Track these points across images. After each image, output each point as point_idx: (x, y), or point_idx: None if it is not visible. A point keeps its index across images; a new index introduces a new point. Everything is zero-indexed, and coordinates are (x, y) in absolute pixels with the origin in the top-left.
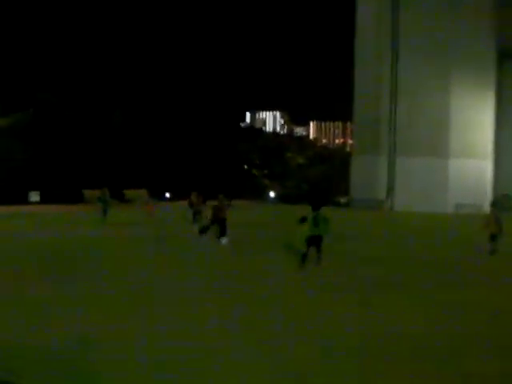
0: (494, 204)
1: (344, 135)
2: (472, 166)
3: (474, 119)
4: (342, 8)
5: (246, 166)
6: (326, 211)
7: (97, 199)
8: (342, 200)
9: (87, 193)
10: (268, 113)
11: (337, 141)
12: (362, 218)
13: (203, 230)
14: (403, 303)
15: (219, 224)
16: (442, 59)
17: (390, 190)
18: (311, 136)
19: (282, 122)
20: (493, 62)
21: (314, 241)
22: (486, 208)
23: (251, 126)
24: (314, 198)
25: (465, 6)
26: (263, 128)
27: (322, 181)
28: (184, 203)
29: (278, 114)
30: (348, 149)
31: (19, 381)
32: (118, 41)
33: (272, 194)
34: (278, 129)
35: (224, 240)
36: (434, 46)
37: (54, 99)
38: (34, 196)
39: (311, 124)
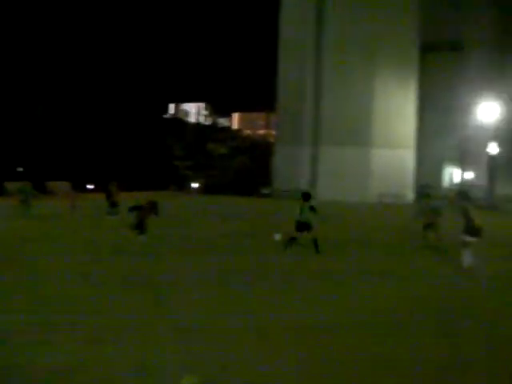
0: (425, 195)
1: (267, 126)
2: (394, 155)
3: (397, 110)
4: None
5: (170, 159)
6: (248, 201)
7: (17, 191)
8: (265, 190)
9: (9, 185)
10: (191, 104)
11: (260, 131)
12: (283, 208)
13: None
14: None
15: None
16: (365, 52)
17: (313, 179)
18: (235, 127)
19: (206, 113)
20: (415, 55)
21: (303, 227)
22: (409, 197)
23: (174, 118)
24: (304, 192)
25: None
26: (186, 119)
27: (244, 171)
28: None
29: (201, 105)
30: (272, 139)
31: None
32: (37, 34)
33: (195, 185)
34: (202, 120)
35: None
36: (358, 39)
37: None
38: None
39: (235, 115)
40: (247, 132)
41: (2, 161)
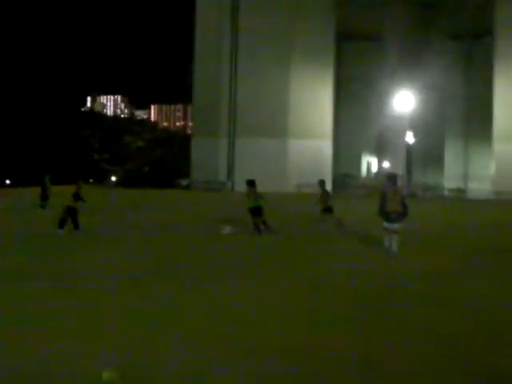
0: (321, 183)
1: (185, 118)
2: (312, 146)
3: (314, 100)
4: None
5: (87, 152)
6: (168, 193)
7: None
8: (183, 182)
9: None
10: (109, 97)
11: (178, 123)
12: (201, 199)
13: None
14: None
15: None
16: (281, 43)
17: (230, 171)
18: (152, 119)
19: (123, 105)
20: (331, 45)
21: (256, 211)
22: (327, 187)
23: (91, 111)
24: (250, 180)
25: None
26: (104, 112)
27: (162, 163)
28: (30, 190)
29: (118, 97)
30: (189, 131)
31: None
32: None
33: (113, 178)
34: (119, 113)
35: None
36: (274, 30)
37: None
38: None
39: (152, 107)
40: (165, 124)
41: None
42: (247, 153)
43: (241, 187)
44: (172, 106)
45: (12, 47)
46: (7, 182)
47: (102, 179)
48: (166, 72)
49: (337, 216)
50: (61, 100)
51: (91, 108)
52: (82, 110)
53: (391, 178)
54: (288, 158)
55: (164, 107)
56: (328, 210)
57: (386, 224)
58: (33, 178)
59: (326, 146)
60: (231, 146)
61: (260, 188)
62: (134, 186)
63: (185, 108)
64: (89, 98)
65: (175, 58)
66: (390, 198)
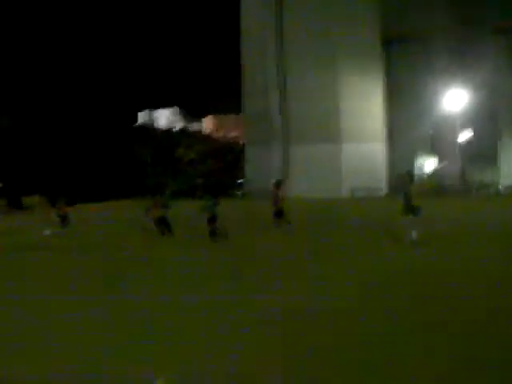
0: (276, 183)
1: (239, 128)
2: (365, 149)
3: (364, 103)
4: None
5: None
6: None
7: None
8: (238, 192)
9: None
10: (162, 110)
11: (232, 133)
12: (257, 207)
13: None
14: None
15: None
16: (328, 47)
17: (285, 178)
18: (206, 130)
19: (177, 118)
20: (378, 46)
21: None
22: (382, 190)
23: (143, 125)
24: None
25: None
26: (157, 126)
27: (216, 173)
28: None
29: (172, 110)
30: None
31: None
32: None
33: (167, 191)
34: (173, 126)
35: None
36: (320, 36)
37: None
38: None
39: (206, 118)
40: (219, 135)
41: None
42: (300, 159)
43: (297, 194)
44: (227, 117)
45: (66, 64)
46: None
47: (156, 193)
48: (219, 83)
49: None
50: (114, 115)
51: (144, 122)
52: (136, 124)
53: (409, 175)
54: (341, 163)
55: (219, 118)
56: (279, 213)
57: (408, 217)
58: (89, 195)
59: (378, 149)
60: (284, 153)
61: (314, 194)
62: (188, 198)
63: (239, 118)
64: (143, 112)
65: (228, 68)
66: (412, 193)
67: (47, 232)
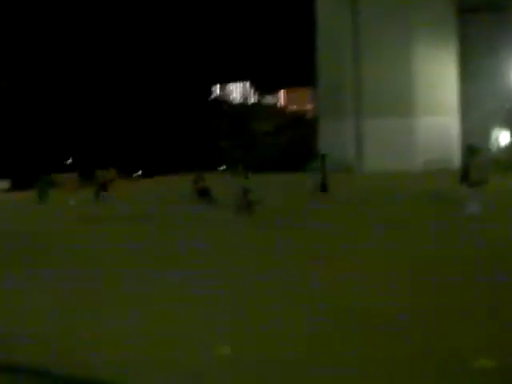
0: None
1: (313, 101)
2: (438, 122)
3: (438, 76)
4: None
5: (216, 139)
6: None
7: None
8: (313, 165)
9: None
10: (236, 84)
11: (307, 107)
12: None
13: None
14: None
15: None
16: (402, 20)
17: (358, 151)
18: (281, 104)
19: (251, 91)
20: (453, 18)
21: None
22: (456, 163)
23: (220, 99)
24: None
25: None
26: (231, 99)
27: (291, 147)
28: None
29: (246, 84)
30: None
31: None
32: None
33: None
34: (247, 99)
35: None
36: (395, 8)
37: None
38: (3, 184)
39: (280, 92)
40: (293, 108)
41: (50, 153)
42: (373, 133)
43: (369, 167)
44: (301, 90)
45: (140, 41)
46: (139, 173)
47: (231, 166)
48: (293, 56)
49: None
50: (189, 89)
51: (219, 96)
52: (210, 98)
53: (470, 149)
54: (415, 136)
55: (293, 91)
56: (203, 192)
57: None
58: (165, 168)
59: (452, 122)
60: (358, 126)
61: (388, 167)
62: (264, 171)
63: (314, 91)
64: (217, 86)
65: (302, 41)
66: (473, 166)
67: (72, 202)
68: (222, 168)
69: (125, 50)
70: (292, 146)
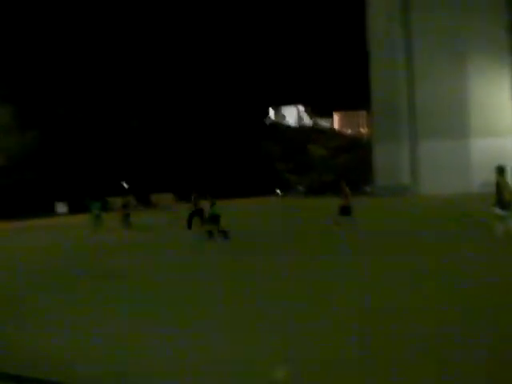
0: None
1: (369, 124)
2: (493, 143)
3: (492, 98)
4: None
5: (272, 163)
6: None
7: (122, 207)
8: (368, 188)
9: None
10: (291, 107)
11: (361, 130)
12: (387, 205)
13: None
14: None
15: None
16: (456, 42)
17: (414, 174)
18: (335, 127)
19: (306, 115)
20: (506, 41)
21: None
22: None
23: (275, 122)
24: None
25: None
26: (286, 123)
27: (346, 170)
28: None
29: (301, 107)
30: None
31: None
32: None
33: (299, 188)
34: (302, 122)
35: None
36: (448, 30)
37: (71, 112)
38: (62, 207)
39: (335, 115)
40: (348, 131)
41: (105, 176)
42: (428, 155)
43: (426, 190)
44: (355, 113)
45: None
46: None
47: (287, 189)
48: (346, 80)
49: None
50: (244, 113)
51: (274, 119)
52: (265, 121)
53: (499, 169)
54: (470, 158)
55: (347, 114)
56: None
57: (500, 211)
58: (220, 192)
59: (507, 143)
60: (413, 149)
61: (444, 190)
62: (319, 194)
63: (368, 114)
64: (271, 110)
65: (354, 64)
66: (502, 187)
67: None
68: (277, 192)
69: (182, 75)
70: (347, 169)
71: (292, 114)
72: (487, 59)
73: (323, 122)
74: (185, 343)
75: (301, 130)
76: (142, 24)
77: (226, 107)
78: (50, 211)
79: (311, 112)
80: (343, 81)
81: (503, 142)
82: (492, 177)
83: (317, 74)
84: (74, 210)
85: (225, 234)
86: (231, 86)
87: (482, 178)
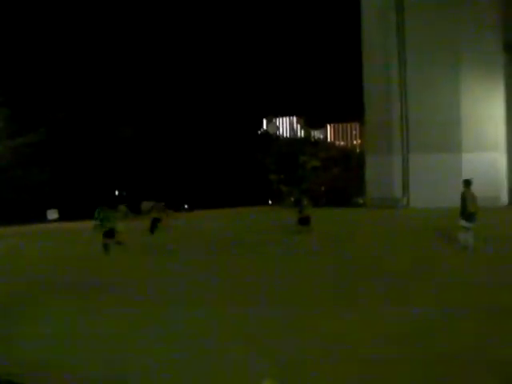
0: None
1: (362, 136)
2: (485, 159)
3: (485, 112)
4: (346, 12)
5: (264, 174)
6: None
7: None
8: (360, 200)
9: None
10: (284, 118)
11: (354, 142)
12: (377, 217)
13: None
14: None
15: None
16: (449, 56)
17: (405, 187)
18: (328, 139)
19: (299, 126)
20: (500, 55)
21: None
22: (503, 200)
23: (267, 133)
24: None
25: (469, 0)
26: (279, 134)
27: (338, 182)
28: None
29: (294, 119)
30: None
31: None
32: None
33: (291, 199)
34: (295, 134)
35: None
36: (441, 43)
37: (64, 119)
38: (53, 214)
39: (328, 127)
40: (341, 143)
41: (96, 185)
42: (421, 168)
43: (416, 203)
44: (348, 125)
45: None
46: (185, 206)
47: (278, 200)
48: (340, 91)
49: None
50: (238, 123)
51: (266, 130)
52: (258, 132)
53: (467, 182)
54: (462, 172)
55: (340, 126)
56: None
57: (464, 223)
58: (214, 201)
59: (500, 158)
60: (405, 162)
61: (434, 204)
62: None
63: (361, 126)
64: (264, 121)
65: (347, 77)
66: (469, 200)
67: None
68: (269, 202)
69: (177, 84)
70: (339, 180)
71: (285, 125)
72: (481, 74)
73: (316, 134)
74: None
75: (294, 141)
76: (140, 34)
77: (220, 117)
78: (41, 218)
79: (304, 123)
80: (337, 93)
81: (495, 156)
82: (482, 192)
83: (310, 85)
84: (64, 217)
85: (119, 243)
86: (225, 97)
87: (473, 191)
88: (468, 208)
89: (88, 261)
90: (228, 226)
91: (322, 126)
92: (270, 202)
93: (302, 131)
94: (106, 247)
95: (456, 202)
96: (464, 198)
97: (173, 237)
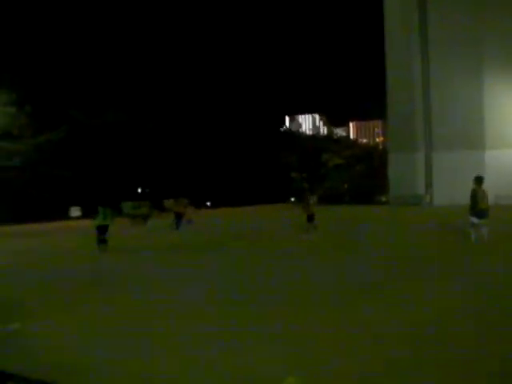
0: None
1: (384, 133)
2: (509, 156)
3: (508, 109)
4: (369, 9)
5: (286, 171)
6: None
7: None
8: (383, 198)
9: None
10: (307, 116)
11: (377, 139)
12: (400, 215)
13: None
14: None
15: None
16: (472, 51)
17: (428, 185)
18: (351, 136)
19: (321, 124)
20: None
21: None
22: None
23: (290, 130)
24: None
25: None
26: (302, 131)
27: (361, 179)
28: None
29: (316, 116)
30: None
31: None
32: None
33: (314, 196)
34: (317, 131)
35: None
36: (464, 39)
37: (84, 116)
38: (75, 211)
39: (350, 124)
40: (364, 141)
41: (119, 181)
42: (444, 166)
43: (439, 201)
44: (371, 122)
45: (214, 71)
46: (208, 204)
47: (301, 198)
48: (363, 89)
49: None
50: (260, 121)
51: (289, 128)
52: (282, 130)
53: (478, 179)
54: (485, 169)
55: (363, 124)
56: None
57: (475, 219)
58: (235, 200)
59: None
60: (428, 159)
61: (457, 201)
62: (333, 203)
63: (384, 124)
64: (287, 118)
65: (370, 74)
66: (480, 196)
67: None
68: (292, 200)
69: (200, 83)
70: (362, 178)
71: (307, 123)
72: (503, 70)
73: (339, 131)
74: None
75: (316, 138)
76: (160, 33)
77: (243, 115)
78: (64, 215)
79: (327, 121)
80: (360, 90)
81: None
82: (505, 189)
83: (333, 83)
84: (87, 214)
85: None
86: (248, 95)
87: (496, 189)
88: (479, 205)
89: (119, 256)
90: (251, 224)
91: (344, 123)
92: (292, 199)
93: (325, 129)
94: (100, 242)
95: None
96: (474, 195)
97: (195, 233)
